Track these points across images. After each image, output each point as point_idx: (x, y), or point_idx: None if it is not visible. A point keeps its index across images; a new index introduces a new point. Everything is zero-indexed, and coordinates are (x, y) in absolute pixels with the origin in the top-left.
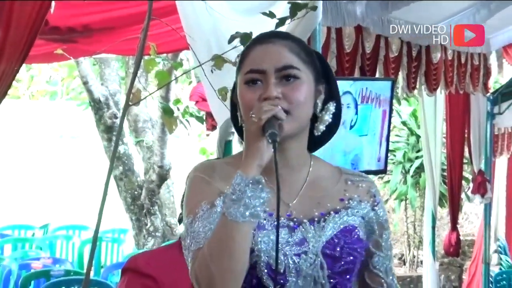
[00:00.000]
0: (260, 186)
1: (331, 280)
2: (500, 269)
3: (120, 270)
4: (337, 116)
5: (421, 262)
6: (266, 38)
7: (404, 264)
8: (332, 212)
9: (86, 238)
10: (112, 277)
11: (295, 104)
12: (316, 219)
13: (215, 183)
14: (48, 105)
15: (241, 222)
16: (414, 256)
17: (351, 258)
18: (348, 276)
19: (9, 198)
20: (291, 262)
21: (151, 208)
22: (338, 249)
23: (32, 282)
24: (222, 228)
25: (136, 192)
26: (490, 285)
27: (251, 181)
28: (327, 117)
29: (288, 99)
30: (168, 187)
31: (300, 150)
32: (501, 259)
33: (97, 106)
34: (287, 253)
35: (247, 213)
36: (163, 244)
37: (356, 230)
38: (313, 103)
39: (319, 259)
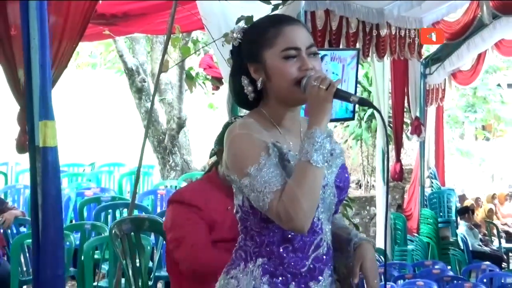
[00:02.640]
0: (330, 138)
1: (335, 207)
2: (432, 190)
3: (149, 196)
4: None
5: (373, 186)
6: (290, 20)
7: (360, 188)
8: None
9: (124, 172)
10: (144, 201)
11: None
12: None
13: (259, 136)
14: (90, 73)
15: (320, 167)
16: (368, 182)
17: (347, 189)
18: (340, 205)
19: (65, 143)
20: (321, 192)
21: (172, 149)
22: (342, 182)
23: (86, 206)
24: (308, 172)
25: (160, 137)
26: (425, 202)
27: (326, 135)
28: None
29: (315, 70)
30: (185, 133)
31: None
32: (432, 182)
33: (130, 73)
34: None
35: (324, 160)
36: (183, 176)
37: (346, 168)
38: None
39: (334, 189)
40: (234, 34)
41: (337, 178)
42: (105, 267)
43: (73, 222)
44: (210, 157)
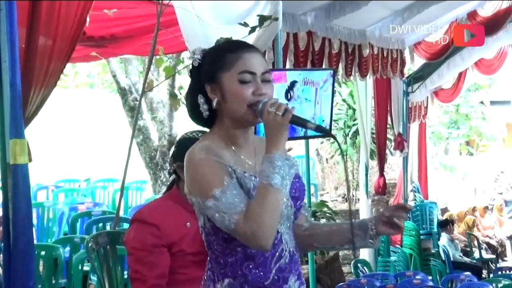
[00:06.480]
0: (288, 161)
1: (293, 216)
2: (415, 203)
3: None
4: None
5: (358, 199)
6: (249, 47)
7: (346, 201)
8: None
9: (117, 187)
10: None
11: None
12: None
13: (222, 161)
14: (88, 92)
15: (280, 188)
16: (353, 195)
17: (303, 196)
18: (299, 212)
19: (61, 160)
20: None
21: (163, 165)
22: (297, 191)
23: (79, 220)
24: (269, 194)
25: (152, 154)
26: (408, 214)
27: (285, 159)
28: None
29: (268, 96)
30: None
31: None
32: (415, 196)
33: (123, 92)
34: None
35: (283, 182)
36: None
37: (300, 176)
38: None
39: (290, 200)
40: (195, 55)
41: (291, 189)
42: (94, 278)
43: (68, 235)
44: (170, 175)
